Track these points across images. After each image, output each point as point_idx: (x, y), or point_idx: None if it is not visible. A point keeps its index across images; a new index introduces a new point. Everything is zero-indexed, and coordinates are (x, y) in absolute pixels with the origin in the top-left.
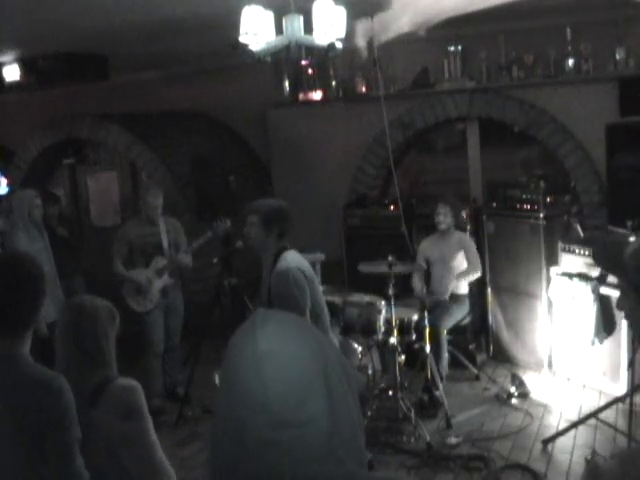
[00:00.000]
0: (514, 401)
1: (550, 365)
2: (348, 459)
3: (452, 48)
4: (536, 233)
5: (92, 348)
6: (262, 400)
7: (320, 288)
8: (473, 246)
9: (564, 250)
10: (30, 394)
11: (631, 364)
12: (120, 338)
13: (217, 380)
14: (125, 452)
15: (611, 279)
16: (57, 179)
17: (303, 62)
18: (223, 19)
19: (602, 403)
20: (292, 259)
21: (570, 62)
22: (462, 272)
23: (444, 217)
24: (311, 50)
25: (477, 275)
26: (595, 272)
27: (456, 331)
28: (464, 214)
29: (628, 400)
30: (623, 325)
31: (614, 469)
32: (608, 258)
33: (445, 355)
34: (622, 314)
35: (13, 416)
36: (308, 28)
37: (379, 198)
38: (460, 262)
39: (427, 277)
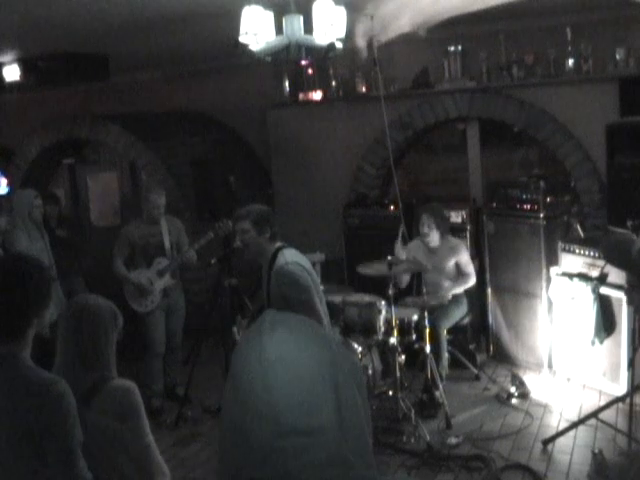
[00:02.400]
0: (514, 401)
1: (550, 365)
2: (357, 463)
3: (452, 48)
4: (536, 233)
5: (90, 347)
6: (268, 410)
7: (320, 286)
8: (465, 253)
9: (564, 250)
10: (29, 397)
11: (631, 364)
12: (121, 338)
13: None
14: (120, 453)
15: (611, 279)
16: (57, 179)
17: (303, 62)
18: (223, 19)
19: (602, 403)
20: (290, 255)
21: (570, 62)
22: (454, 283)
23: (429, 229)
24: (311, 50)
25: (471, 283)
26: (595, 272)
27: (456, 331)
28: (464, 214)
29: (628, 400)
30: (623, 325)
31: (621, 464)
32: (618, 255)
33: (445, 355)
34: (622, 314)
35: (12, 419)
36: (308, 28)
37: (379, 198)
38: (453, 267)
39: (419, 281)
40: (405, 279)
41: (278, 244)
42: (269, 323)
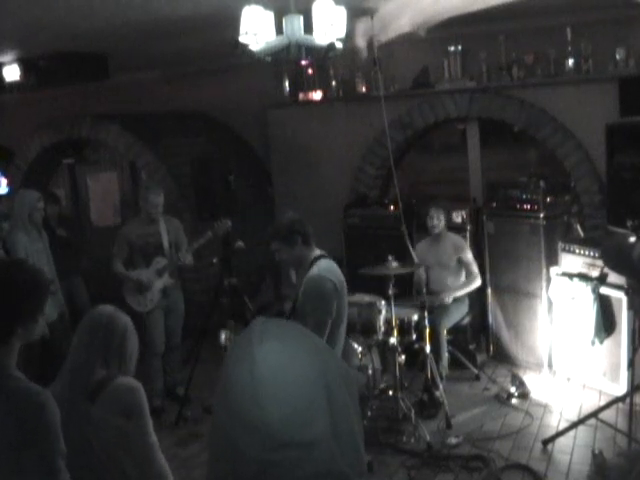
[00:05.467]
0: (514, 401)
1: (550, 365)
2: (351, 472)
3: (452, 48)
4: (536, 233)
5: (109, 357)
6: (260, 423)
7: (346, 306)
8: (468, 252)
9: (564, 250)
10: (10, 408)
11: (631, 364)
12: None
13: (222, 339)
14: (123, 452)
15: (611, 279)
16: (57, 179)
17: (303, 62)
18: (223, 19)
19: (602, 403)
20: (325, 267)
21: (570, 62)
22: (461, 284)
23: (437, 221)
24: (311, 50)
25: (477, 285)
26: (595, 272)
27: (456, 331)
28: (464, 214)
29: (628, 400)
30: (623, 325)
31: (621, 465)
32: (618, 260)
33: (445, 355)
34: (622, 314)
35: None
36: (308, 28)
37: (379, 198)
38: (457, 263)
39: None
40: (423, 277)
41: (317, 252)
42: (259, 333)
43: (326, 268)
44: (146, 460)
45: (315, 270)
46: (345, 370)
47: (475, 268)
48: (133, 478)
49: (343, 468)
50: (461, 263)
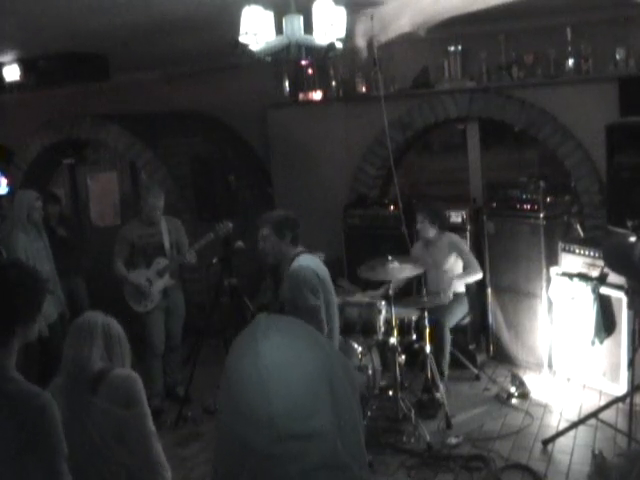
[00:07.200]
0: (514, 401)
1: (550, 365)
2: (353, 464)
3: (452, 48)
4: (536, 233)
5: (110, 349)
6: (266, 417)
7: (334, 296)
8: (465, 247)
9: (564, 250)
10: (11, 410)
11: (631, 364)
12: None
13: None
14: (123, 442)
15: (611, 279)
16: (57, 179)
17: (303, 62)
18: (223, 19)
19: (602, 403)
20: (305, 259)
21: (570, 62)
22: (461, 273)
23: (421, 225)
24: (311, 50)
25: (478, 276)
26: (595, 272)
27: (456, 331)
28: (464, 214)
29: (628, 400)
30: (623, 325)
31: (622, 465)
32: (618, 260)
33: (448, 351)
34: (622, 314)
35: None
36: (308, 28)
37: (379, 198)
38: (453, 264)
39: (419, 281)
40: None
41: (299, 249)
42: (263, 328)
43: (306, 260)
44: (145, 448)
45: (295, 264)
46: (346, 364)
47: (474, 261)
48: (132, 468)
49: (346, 460)
50: (459, 258)
